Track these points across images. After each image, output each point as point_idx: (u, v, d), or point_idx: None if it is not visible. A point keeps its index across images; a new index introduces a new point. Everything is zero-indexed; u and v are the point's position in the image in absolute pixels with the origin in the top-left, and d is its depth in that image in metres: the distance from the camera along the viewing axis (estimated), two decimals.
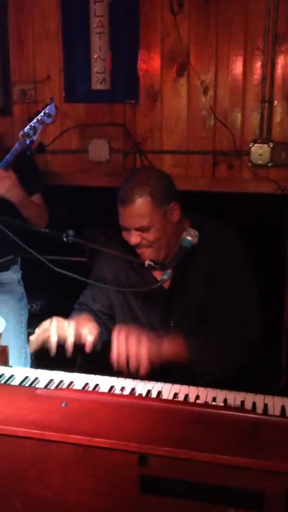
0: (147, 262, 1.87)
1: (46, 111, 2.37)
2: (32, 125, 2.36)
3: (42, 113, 2.37)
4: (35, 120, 2.37)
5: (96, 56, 3.40)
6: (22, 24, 3.54)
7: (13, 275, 2.84)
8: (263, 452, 1.26)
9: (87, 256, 3.59)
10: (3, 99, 3.65)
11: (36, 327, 3.21)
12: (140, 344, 1.74)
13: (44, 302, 3.45)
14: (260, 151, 3.29)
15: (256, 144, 3.29)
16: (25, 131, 2.37)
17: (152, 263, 1.86)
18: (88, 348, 1.83)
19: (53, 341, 1.79)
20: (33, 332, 3.15)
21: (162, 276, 1.80)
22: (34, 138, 2.38)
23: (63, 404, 1.45)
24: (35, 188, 2.73)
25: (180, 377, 1.77)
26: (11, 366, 1.89)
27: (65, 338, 1.81)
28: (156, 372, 1.77)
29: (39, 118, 2.37)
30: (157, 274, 1.98)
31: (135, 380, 1.75)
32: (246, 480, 1.24)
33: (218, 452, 1.26)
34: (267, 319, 3.11)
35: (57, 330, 1.81)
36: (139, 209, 1.88)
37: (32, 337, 1.85)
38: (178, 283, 1.98)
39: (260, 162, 3.30)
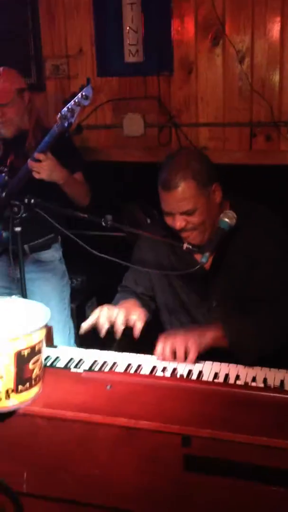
0: (185, 246, 1.88)
1: (84, 93, 2.33)
2: (70, 107, 2.34)
3: (79, 95, 2.34)
4: (72, 102, 2.34)
5: (128, 27, 3.37)
6: None
7: (54, 253, 2.89)
8: None
9: (126, 232, 3.64)
10: (35, 75, 3.65)
11: (77, 302, 3.31)
12: (189, 351, 1.76)
13: (85, 277, 3.51)
14: None
15: None
16: (63, 113, 2.35)
17: (190, 246, 1.87)
18: (136, 335, 1.86)
19: (104, 329, 1.86)
20: (75, 308, 3.26)
21: (201, 259, 1.81)
22: (72, 120, 2.35)
23: (108, 387, 1.50)
24: (75, 168, 2.76)
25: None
26: (56, 346, 1.95)
27: (114, 325, 1.86)
28: None
29: (76, 100, 2.34)
30: (198, 255, 1.99)
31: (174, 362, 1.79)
32: (285, 459, 1.28)
33: (257, 434, 1.29)
34: None
35: (107, 318, 1.86)
36: (184, 193, 1.88)
37: (83, 324, 1.91)
38: (219, 264, 1.99)
39: None
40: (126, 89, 3.53)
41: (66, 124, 2.35)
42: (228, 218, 1.90)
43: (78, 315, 3.34)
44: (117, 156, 3.60)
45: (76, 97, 2.32)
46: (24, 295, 2.26)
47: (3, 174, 2.65)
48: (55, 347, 1.94)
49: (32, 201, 2.07)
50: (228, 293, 1.99)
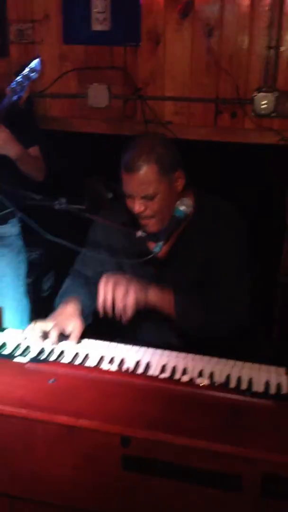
0: (138, 233, 1.85)
1: (31, 67, 2.29)
2: (18, 80, 2.29)
3: (27, 69, 2.29)
4: (20, 76, 2.29)
5: None
6: None
7: (11, 228, 2.83)
8: (241, 438, 1.30)
9: (86, 206, 3.58)
10: None
11: (34, 277, 3.27)
12: (128, 293, 1.81)
13: (43, 250, 3.45)
14: (264, 100, 3.19)
15: (260, 93, 3.18)
16: (12, 86, 2.30)
17: (144, 234, 1.84)
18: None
19: (39, 344, 1.81)
20: (31, 282, 3.22)
21: (154, 248, 1.79)
22: (22, 94, 2.30)
23: (50, 381, 1.48)
24: (31, 141, 2.67)
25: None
26: (3, 329, 1.92)
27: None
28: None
29: (25, 74, 2.29)
30: (152, 243, 1.97)
31: (125, 347, 1.80)
32: (224, 463, 1.29)
33: (197, 437, 1.30)
34: (264, 272, 3.14)
35: (40, 336, 1.82)
36: (145, 177, 1.85)
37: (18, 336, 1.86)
38: (175, 253, 1.98)
39: (263, 112, 3.20)
40: (92, 58, 3.43)
41: (15, 98, 2.30)
42: (184, 206, 1.88)
43: (35, 290, 3.30)
44: (80, 126, 3.52)
45: (24, 70, 2.27)
46: None
47: None
48: (3, 330, 1.93)
49: None
50: (181, 282, 1.98)
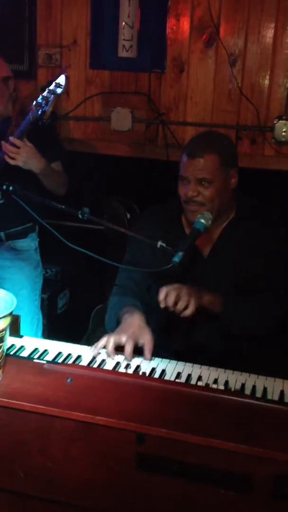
0: (159, 244, 1.88)
1: (57, 82, 2.35)
2: (44, 95, 2.36)
3: (53, 84, 2.36)
4: (46, 91, 2.36)
5: (124, 22, 3.37)
6: None
7: (30, 242, 2.88)
8: (255, 439, 1.31)
9: (105, 225, 3.63)
10: (28, 63, 3.63)
11: (49, 292, 3.29)
12: (189, 305, 1.82)
13: (59, 268, 3.50)
14: (284, 128, 3.25)
15: (280, 121, 3.25)
16: (38, 101, 2.37)
17: (164, 245, 1.88)
18: (148, 358, 1.81)
19: (113, 359, 1.79)
20: (46, 298, 3.25)
21: (173, 259, 1.81)
22: (46, 108, 2.36)
23: (68, 380, 1.51)
24: (54, 156, 2.74)
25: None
26: (21, 336, 1.95)
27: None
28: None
29: (50, 88, 2.35)
30: (201, 241, 2.01)
31: (140, 357, 1.81)
32: (237, 463, 1.30)
33: (212, 436, 1.31)
34: None
35: (114, 348, 1.81)
36: (205, 164, 1.94)
37: (90, 351, 1.82)
38: (216, 252, 2.06)
39: (283, 139, 3.27)
40: (117, 83, 3.53)
41: (39, 112, 2.36)
42: (204, 219, 1.92)
43: (50, 306, 3.34)
44: (102, 149, 3.60)
45: (50, 85, 2.34)
46: None
47: None
48: (21, 337, 1.95)
49: (11, 188, 2.07)
50: (221, 283, 2.03)
